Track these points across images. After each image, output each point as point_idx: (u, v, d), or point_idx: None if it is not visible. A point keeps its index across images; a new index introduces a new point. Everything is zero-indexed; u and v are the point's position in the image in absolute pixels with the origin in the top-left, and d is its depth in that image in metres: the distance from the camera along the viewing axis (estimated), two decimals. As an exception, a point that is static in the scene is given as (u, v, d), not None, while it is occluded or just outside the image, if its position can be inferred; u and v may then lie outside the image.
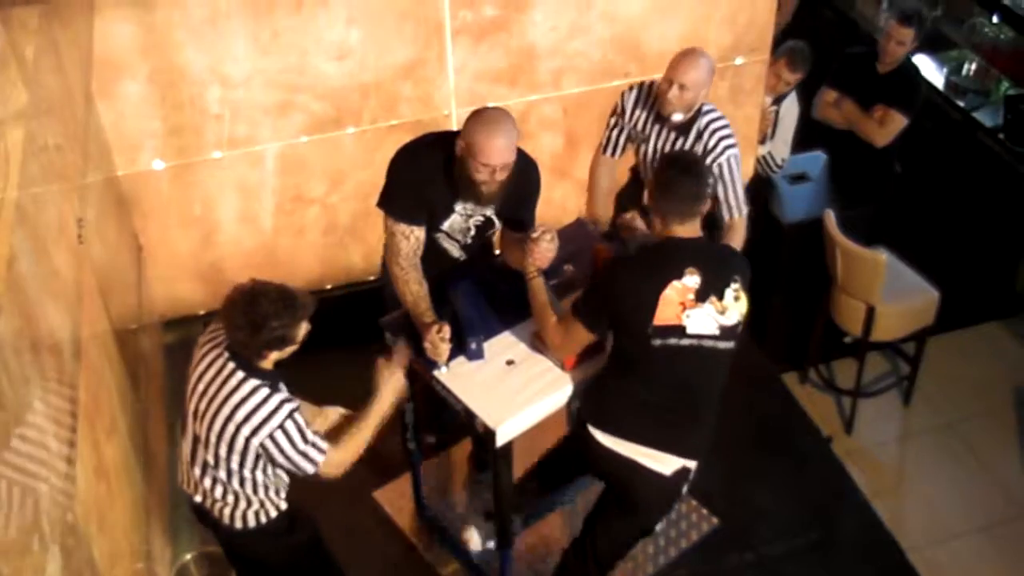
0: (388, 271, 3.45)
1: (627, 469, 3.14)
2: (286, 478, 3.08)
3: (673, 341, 2.98)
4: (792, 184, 5.00)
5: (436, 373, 3.30)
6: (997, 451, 4.54)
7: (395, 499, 4.11)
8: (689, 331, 2.98)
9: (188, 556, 3.71)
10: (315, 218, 4.54)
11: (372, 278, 4.51)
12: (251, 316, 2.72)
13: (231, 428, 2.83)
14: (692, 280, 2.96)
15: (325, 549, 3.36)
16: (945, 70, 5.56)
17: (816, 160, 5.17)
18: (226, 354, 2.86)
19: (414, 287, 3.36)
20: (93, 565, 2.57)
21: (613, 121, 3.98)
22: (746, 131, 4.74)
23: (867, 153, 4.86)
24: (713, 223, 3.82)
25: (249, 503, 3.04)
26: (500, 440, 3.19)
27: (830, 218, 4.50)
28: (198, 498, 3.09)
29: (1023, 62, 5.38)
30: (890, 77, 4.80)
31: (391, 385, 3.16)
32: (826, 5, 6.24)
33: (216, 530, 3.18)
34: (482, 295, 3.52)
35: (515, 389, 3.25)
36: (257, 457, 2.90)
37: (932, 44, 5.73)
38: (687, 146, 3.81)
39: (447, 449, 4.24)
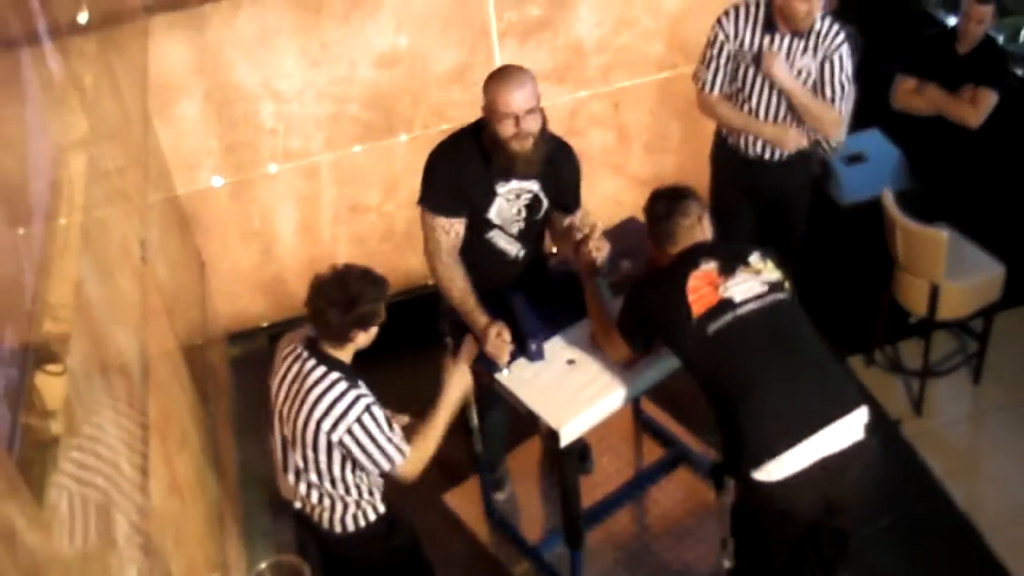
0: (433, 272, 3.43)
1: (826, 477, 2.84)
2: (379, 479, 3.11)
3: (729, 316, 2.90)
4: (848, 165, 4.93)
5: (497, 376, 3.32)
6: (1071, 423, 4.46)
7: (464, 502, 4.15)
8: (737, 300, 2.91)
9: (263, 564, 3.75)
10: (372, 225, 4.59)
11: (431, 282, 4.54)
12: (345, 293, 2.83)
13: (312, 425, 2.89)
14: (709, 264, 2.97)
15: (423, 554, 3.41)
16: (1001, 37, 5.43)
17: (871, 139, 5.09)
18: (305, 352, 2.94)
19: (460, 283, 3.35)
20: (172, 578, 2.63)
21: (715, 51, 4.00)
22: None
23: (960, 135, 4.78)
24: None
25: (346, 506, 3.08)
26: (564, 441, 3.19)
27: (888, 197, 4.43)
28: (297, 504, 3.16)
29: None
30: (973, 56, 4.71)
31: (456, 380, 3.18)
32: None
33: (316, 536, 3.24)
34: (540, 296, 3.53)
35: (577, 389, 3.25)
36: (343, 457, 2.94)
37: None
38: (806, 47, 3.90)
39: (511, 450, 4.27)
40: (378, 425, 2.89)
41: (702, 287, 2.93)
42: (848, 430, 2.87)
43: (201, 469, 3.41)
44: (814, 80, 3.98)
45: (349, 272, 2.88)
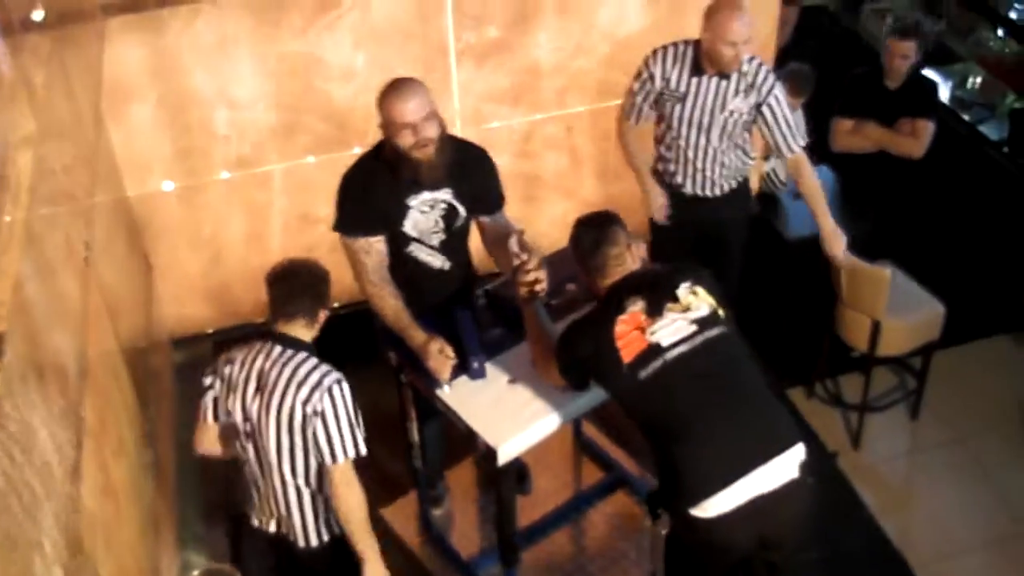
0: (364, 293, 3.45)
1: (760, 514, 2.86)
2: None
3: (658, 363, 2.88)
4: (796, 200, 5.01)
5: (438, 392, 3.33)
6: (1005, 465, 4.52)
7: (401, 517, 4.14)
8: (665, 343, 2.88)
9: (196, 572, 3.73)
10: (321, 236, 4.57)
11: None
12: (307, 276, 3.02)
13: (288, 401, 2.91)
14: (635, 306, 2.93)
15: None
16: (950, 83, 5.58)
17: (820, 174, 5.17)
18: (268, 344, 3.00)
19: (391, 300, 3.37)
20: (100, 584, 2.61)
21: (638, 86, 4.07)
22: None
23: (902, 171, 4.89)
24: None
25: (327, 509, 3.08)
26: (502, 459, 3.20)
27: (833, 234, 4.51)
28: (273, 527, 3.17)
29: (1028, 76, 5.39)
30: (903, 91, 4.83)
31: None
32: (829, 20, 6.26)
33: (292, 557, 3.22)
34: (483, 316, 3.55)
35: (517, 408, 3.26)
36: (314, 442, 2.93)
37: (937, 58, 5.75)
38: (732, 89, 3.95)
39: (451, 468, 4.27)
40: (346, 399, 2.93)
41: (629, 332, 2.90)
42: (783, 469, 2.88)
43: (137, 474, 3.38)
44: (745, 120, 4.05)
45: (296, 261, 3.07)
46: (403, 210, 3.36)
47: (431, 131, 3.21)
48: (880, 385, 4.88)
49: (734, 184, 4.26)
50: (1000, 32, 5.60)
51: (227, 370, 3.07)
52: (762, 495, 2.84)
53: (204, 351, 4.71)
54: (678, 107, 4.02)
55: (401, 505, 4.17)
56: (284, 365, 2.95)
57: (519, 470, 4.15)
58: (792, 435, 2.94)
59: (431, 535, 4.08)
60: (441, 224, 3.43)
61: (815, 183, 4.16)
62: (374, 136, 4.37)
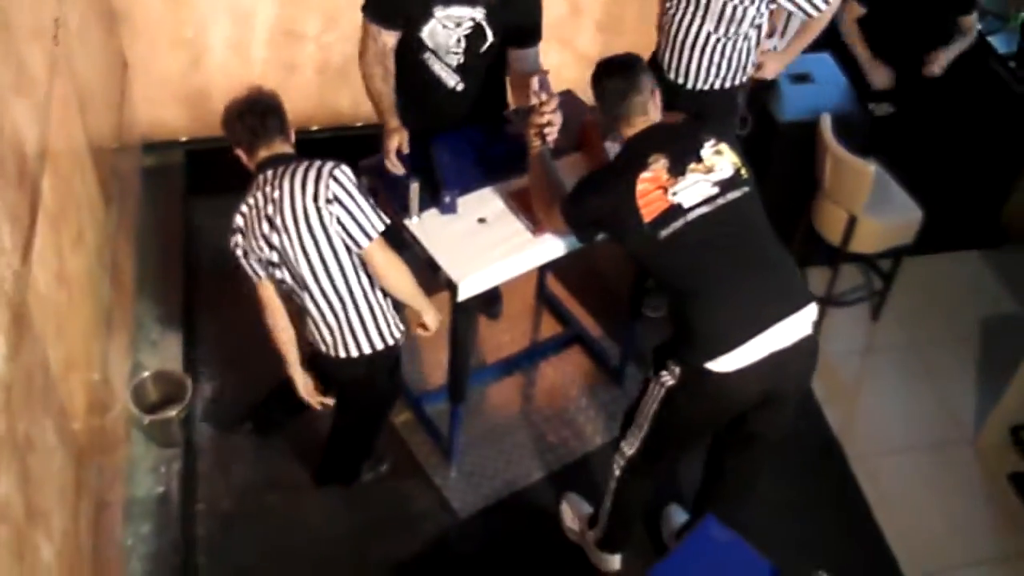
0: (360, 69, 3.45)
1: (772, 370, 2.93)
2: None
3: (679, 223, 2.88)
4: (793, 83, 4.92)
5: (407, 222, 3.30)
6: (954, 377, 4.58)
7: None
8: (687, 205, 2.88)
9: (146, 374, 3.75)
10: (307, 55, 4.46)
11: (359, 124, 4.46)
12: (268, 98, 3.03)
13: (299, 209, 2.89)
14: (659, 164, 2.90)
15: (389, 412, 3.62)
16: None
17: (821, 62, 5.07)
18: (260, 176, 2.98)
19: (378, 83, 3.38)
20: (47, 368, 2.60)
21: None
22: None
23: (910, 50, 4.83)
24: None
25: (383, 309, 3.12)
26: (462, 294, 3.21)
27: (825, 121, 4.44)
28: (323, 348, 3.19)
29: (1046, -11, 5.25)
30: None
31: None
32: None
33: (329, 370, 3.29)
34: (468, 150, 3.48)
35: (483, 247, 3.25)
36: (341, 242, 2.94)
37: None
38: None
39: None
40: (353, 180, 2.94)
41: (651, 191, 2.88)
42: (798, 325, 2.95)
43: (94, 269, 3.35)
44: (743, 7, 3.73)
45: (249, 91, 3.05)
46: (426, 16, 3.29)
47: None
48: (846, 282, 4.89)
49: (716, 86, 3.99)
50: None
51: (239, 221, 3.05)
52: (777, 351, 2.90)
53: (175, 158, 4.63)
54: None
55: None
56: (282, 179, 2.93)
57: (491, 295, 4.17)
58: (806, 294, 3.02)
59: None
60: (463, 44, 3.35)
61: (814, 34, 3.97)
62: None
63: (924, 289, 4.95)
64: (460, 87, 3.47)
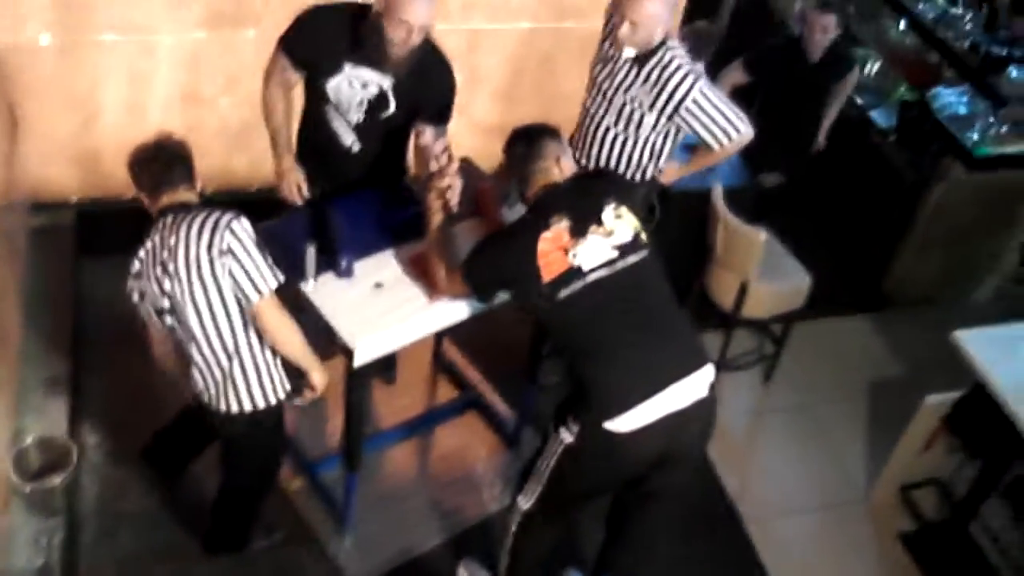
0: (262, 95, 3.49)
1: (670, 431, 2.96)
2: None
3: (578, 284, 2.92)
4: (684, 153, 5.05)
5: (302, 286, 3.27)
6: (846, 437, 4.69)
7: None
8: (586, 267, 2.93)
9: (29, 440, 3.62)
10: (204, 119, 4.43)
11: (254, 188, 4.42)
12: (175, 147, 3.00)
13: (192, 256, 2.84)
14: (560, 224, 2.96)
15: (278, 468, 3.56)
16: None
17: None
18: (160, 219, 2.94)
19: (278, 116, 3.46)
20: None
21: (603, 29, 3.85)
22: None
23: (781, 142, 4.97)
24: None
25: (268, 368, 3.07)
26: (358, 359, 3.18)
27: (717, 191, 4.57)
28: (221, 409, 3.12)
29: (921, 69, 5.51)
30: (823, 63, 4.91)
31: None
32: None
33: (213, 423, 3.22)
34: (365, 214, 3.49)
35: (380, 312, 3.23)
36: (232, 298, 2.90)
37: (841, 37, 5.84)
38: (641, 77, 3.63)
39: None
40: (251, 234, 2.89)
41: (551, 251, 2.93)
42: (695, 386, 2.99)
43: (-25, 333, 3.25)
44: (642, 114, 3.72)
45: (157, 137, 3.02)
46: (335, 69, 3.32)
47: (418, 37, 3.18)
48: (739, 346, 4.99)
49: (635, 177, 3.97)
50: (902, 24, 5.71)
51: (136, 266, 3.01)
52: (675, 412, 2.94)
53: (65, 220, 4.52)
54: (599, 67, 3.83)
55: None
56: (180, 226, 2.88)
57: (388, 359, 4.14)
58: (703, 356, 3.06)
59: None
60: (364, 106, 3.38)
61: (718, 158, 3.89)
62: (271, 20, 4.24)
63: (814, 352, 5.08)
64: (356, 147, 3.49)
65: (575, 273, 2.93)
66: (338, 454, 3.70)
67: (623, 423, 2.91)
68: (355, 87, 3.34)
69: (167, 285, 2.93)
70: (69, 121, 4.30)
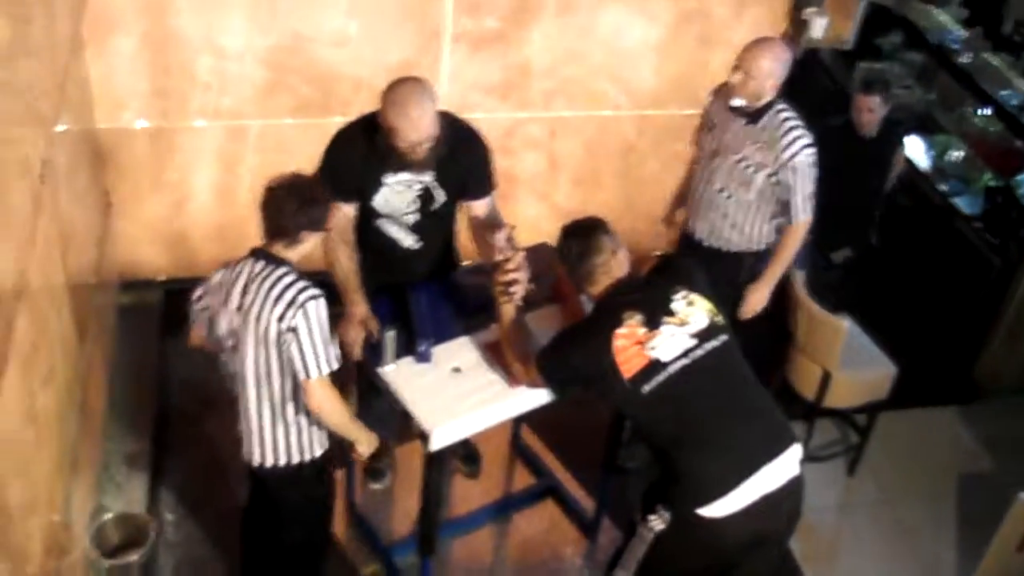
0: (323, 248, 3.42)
1: (763, 512, 2.94)
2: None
3: (661, 378, 2.91)
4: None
5: (380, 370, 3.29)
6: (935, 535, 4.53)
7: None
8: (665, 359, 2.92)
9: (108, 516, 3.66)
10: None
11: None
12: (301, 193, 2.92)
13: (265, 317, 2.90)
14: (633, 319, 2.95)
15: (329, 521, 3.52)
16: (932, 153, 5.61)
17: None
18: (252, 259, 2.98)
19: (344, 262, 3.38)
20: (6, 510, 2.54)
21: (700, 120, 4.01)
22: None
23: (848, 218, 4.92)
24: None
25: (288, 434, 3.10)
26: (434, 444, 3.16)
27: (797, 278, 4.51)
28: (256, 460, 3.15)
29: (1007, 156, 5.43)
30: (878, 139, 4.89)
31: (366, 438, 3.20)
32: (823, 72, 6.28)
33: (256, 478, 3.26)
34: (443, 299, 3.51)
35: (457, 396, 3.23)
36: (288, 359, 2.94)
37: (922, 126, 5.79)
38: (752, 135, 3.79)
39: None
40: (321, 318, 2.91)
41: (628, 347, 2.92)
42: (786, 466, 2.97)
43: (64, 408, 3.31)
44: (754, 171, 3.86)
45: (300, 176, 2.98)
46: (376, 187, 3.34)
47: (431, 141, 3.19)
48: (822, 436, 4.88)
49: (719, 245, 4.09)
50: (986, 111, 5.65)
51: (216, 281, 3.07)
52: (767, 493, 2.92)
53: (152, 298, 4.63)
54: (707, 135, 3.95)
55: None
56: (263, 281, 2.92)
57: (470, 453, 4.17)
58: (790, 434, 3.05)
59: (354, 514, 4.02)
60: (416, 204, 3.40)
61: (790, 253, 4.04)
62: (358, 106, 4.33)
63: (900, 444, 4.94)
64: (417, 245, 3.52)
65: (656, 366, 2.91)
66: (414, 539, 3.67)
67: (718, 509, 2.88)
68: (402, 191, 3.37)
69: (236, 324, 2.98)
70: (160, 203, 4.44)
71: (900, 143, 5.06)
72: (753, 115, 3.78)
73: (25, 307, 2.80)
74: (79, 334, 3.57)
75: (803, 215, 3.88)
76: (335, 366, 2.97)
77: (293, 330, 2.89)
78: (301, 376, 2.94)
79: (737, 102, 3.74)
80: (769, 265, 4.07)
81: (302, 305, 2.88)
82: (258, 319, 2.92)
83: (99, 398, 3.95)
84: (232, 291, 2.99)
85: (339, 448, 3.25)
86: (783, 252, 4.01)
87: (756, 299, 4.08)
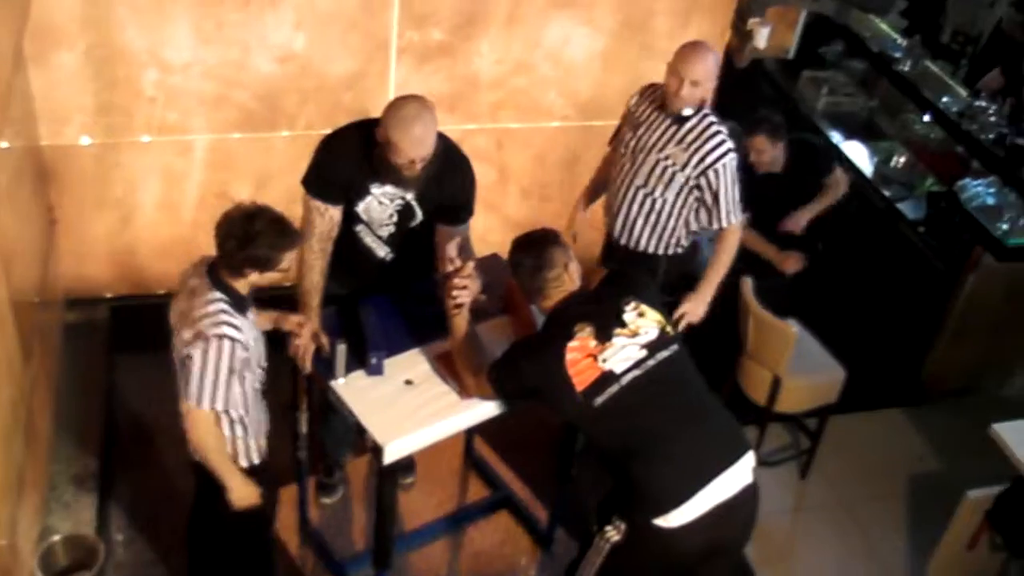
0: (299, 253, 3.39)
1: (718, 521, 2.96)
2: (264, 425, 3.17)
3: (613, 390, 2.93)
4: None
5: (332, 383, 3.27)
6: (886, 534, 4.58)
7: (280, 512, 4.04)
8: (618, 371, 2.93)
9: (56, 538, 3.60)
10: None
11: (288, 284, 4.45)
12: (246, 229, 2.84)
13: (179, 335, 2.92)
14: (584, 332, 2.96)
15: (269, 531, 3.50)
16: (875, 159, 5.69)
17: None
18: (205, 272, 2.95)
19: (315, 276, 3.38)
20: (-50, 532, 2.49)
21: (621, 121, 4.03)
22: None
23: (790, 243, 4.95)
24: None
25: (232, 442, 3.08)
26: (388, 458, 3.15)
27: (747, 285, 4.55)
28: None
29: (948, 162, 5.52)
30: (790, 171, 4.87)
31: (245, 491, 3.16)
32: (766, 80, 6.35)
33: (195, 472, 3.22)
34: (395, 312, 3.50)
35: (410, 409, 3.22)
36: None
37: (866, 132, 5.88)
38: (676, 136, 3.79)
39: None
40: (220, 358, 2.87)
41: (580, 360, 2.93)
42: (740, 474, 2.99)
43: (8, 428, 3.26)
44: (673, 172, 3.85)
45: (261, 212, 2.88)
46: (363, 193, 3.36)
47: (424, 162, 3.20)
48: (773, 441, 4.92)
49: (639, 245, 4.08)
50: (927, 118, 5.75)
51: (182, 277, 3.08)
52: (722, 502, 2.94)
53: (99, 315, 4.57)
54: (629, 134, 3.98)
55: (283, 496, 4.06)
56: (195, 298, 2.92)
57: (406, 463, 4.14)
58: (744, 442, 3.07)
59: (307, 531, 3.99)
60: (395, 218, 3.42)
61: (727, 259, 4.00)
62: (305, 120, 4.35)
63: (851, 447, 5.00)
64: (389, 257, 3.53)
65: (609, 378, 2.93)
66: (368, 553, 3.65)
67: (673, 519, 2.90)
68: (384, 203, 3.38)
69: (173, 321, 3.00)
70: (105, 220, 4.38)
71: (826, 171, 4.99)
72: (682, 119, 3.80)
73: (-34, 326, 2.76)
74: (24, 353, 3.51)
75: (733, 218, 3.89)
76: (218, 407, 2.94)
77: (189, 357, 2.88)
78: (183, 400, 2.94)
79: (688, 112, 3.76)
80: (705, 274, 4.05)
81: (206, 341, 2.86)
82: (180, 330, 2.94)
83: (45, 418, 3.88)
84: (180, 291, 3.01)
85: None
86: (718, 259, 3.99)
87: (693, 308, 4.02)
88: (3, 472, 3.13)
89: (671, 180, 3.87)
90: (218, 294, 2.91)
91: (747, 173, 4.84)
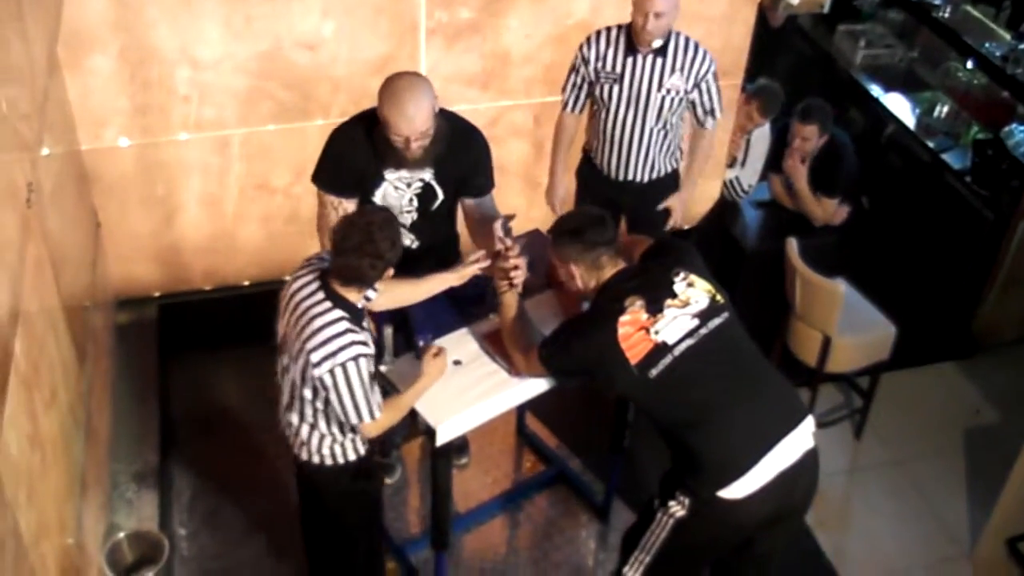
0: (322, 246, 3.44)
1: (782, 489, 2.96)
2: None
3: (667, 360, 2.91)
4: (757, 209, 5.02)
5: (381, 367, 3.29)
6: (942, 491, 4.55)
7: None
8: (671, 341, 2.92)
9: (121, 535, 3.66)
10: (278, 207, 4.52)
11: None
12: (374, 245, 2.82)
13: (303, 356, 2.89)
14: (635, 305, 2.95)
15: (380, 513, 3.53)
16: (918, 111, 5.61)
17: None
18: (316, 285, 2.94)
19: None
20: (18, 535, 2.54)
21: (574, 77, 4.10)
22: (718, 154, 4.77)
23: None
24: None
25: (323, 438, 3.10)
26: (440, 439, 3.17)
27: (792, 246, 4.51)
28: (295, 450, 3.19)
29: (993, 108, 5.43)
30: (816, 165, 4.87)
31: (436, 366, 3.14)
32: (801, 37, 6.27)
33: (299, 474, 3.29)
34: (438, 294, 3.51)
35: (460, 390, 3.23)
36: (317, 390, 2.95)
37: (906, 83, 5.79)
38: (668, 66, 3.94)
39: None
40: (361, 377, 2.89)
41: (633, 334, 2.92)
42: (800, 440, 2.99)
43: (68, 430, 3.31)
44: (680, 98, 4.03)
45: (373, 222, 2.85)
46: (378, 181, 3.34)
47: (423, 141, 3.18)
48: (826, 402, 4.89)
49: (661, 173, 4.26)
50: (969, 64, 5.64)
51: (286, 285, 3.06)
52: (784, 469, 2.94)
53: (149, 314, 4.63)
54: (615, 88, 4.00)
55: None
56: (315, 318, 2.88)
57: (460, 443, 4.16)
58: (802, 407, 3.07)
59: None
60: (415, 203, 3.40)
61: (706, 155, 4.31)
62: (338, 109, 4.35)
63: (904, 404, 4.96)
64: (416, 244, 3.51)
65: (663, 349, 2.92)
66: (426, 535, 3.68)
67: (738, 489, 2.90)
68: (401, 189, 3.37)
69: (282, 331, 3.01)
70: (149, 219, 4.42)
71: (842, 183, 4.98)
72: (660, 49, 3.92)
73: (22, 332, 2.80)
74: (78, 356, 3.56)
75: (719, 115, 4.18)
76: (377, 415, 2.97)
77: (327, 388, 2.90)
78: (349, 422, 2.98)
79: (657, 43, 3.89)
80: (687, 173, 4.34)
81: (343, 363, 2.86)
82: (299, 353, 2.91)
83: (103, 418, 3.95)
84: (290, 307, 2.97)
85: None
86: (699, 157, 4.29)
87: (678, 205, 4.33)
88: (66, 473, 3.19)
89: (679, 106, 4.06)
90: (339, 312, 2.89)
91: (780, 144, 4.86)
